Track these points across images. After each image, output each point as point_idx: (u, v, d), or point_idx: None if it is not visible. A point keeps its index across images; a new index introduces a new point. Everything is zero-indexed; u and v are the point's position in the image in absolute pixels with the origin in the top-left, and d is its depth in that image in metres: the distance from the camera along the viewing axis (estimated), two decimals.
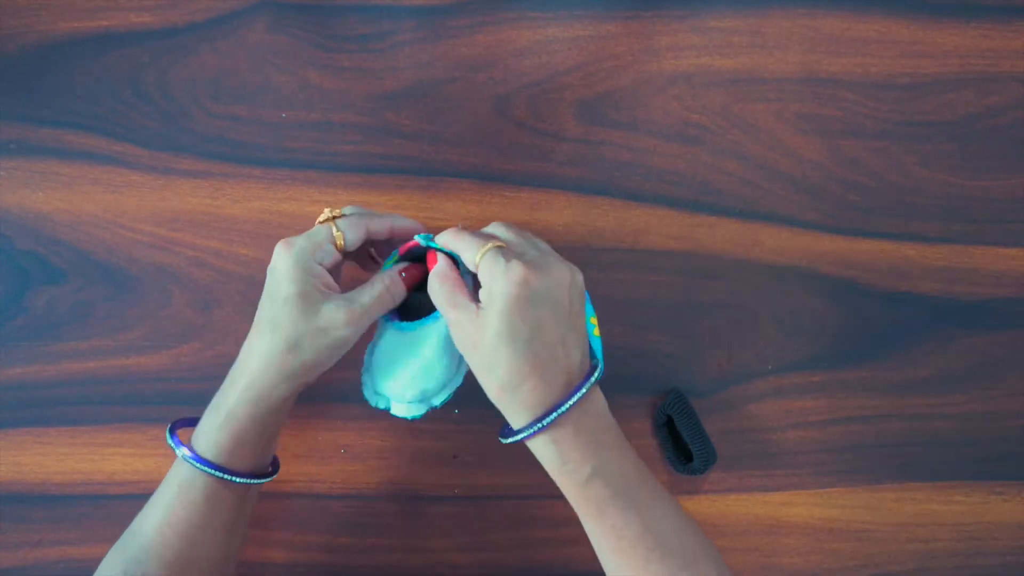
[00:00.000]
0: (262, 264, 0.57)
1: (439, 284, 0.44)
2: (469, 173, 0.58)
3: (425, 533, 0.57)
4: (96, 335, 0.57)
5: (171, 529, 0.44)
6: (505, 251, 0.43)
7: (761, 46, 0.59)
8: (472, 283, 0.46)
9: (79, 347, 0.57)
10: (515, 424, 0.43)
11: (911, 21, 0.59)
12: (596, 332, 0.56)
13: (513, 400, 0.42)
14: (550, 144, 0.59)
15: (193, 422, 0.47)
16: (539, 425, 0.41)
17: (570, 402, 0.41)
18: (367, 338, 0.49)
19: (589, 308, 0.56)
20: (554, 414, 0.41)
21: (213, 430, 0.45)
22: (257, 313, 0.45)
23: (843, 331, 0.59)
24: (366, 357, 0.50)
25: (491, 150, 0.58)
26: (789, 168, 0.59)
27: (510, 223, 0.47)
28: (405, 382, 0.47)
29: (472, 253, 0.43)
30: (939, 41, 0.60)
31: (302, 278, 0.44)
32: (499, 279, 0.41)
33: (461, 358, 0.49)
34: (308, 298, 0.44)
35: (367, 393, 0.49)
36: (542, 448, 0.42)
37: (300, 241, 0.45)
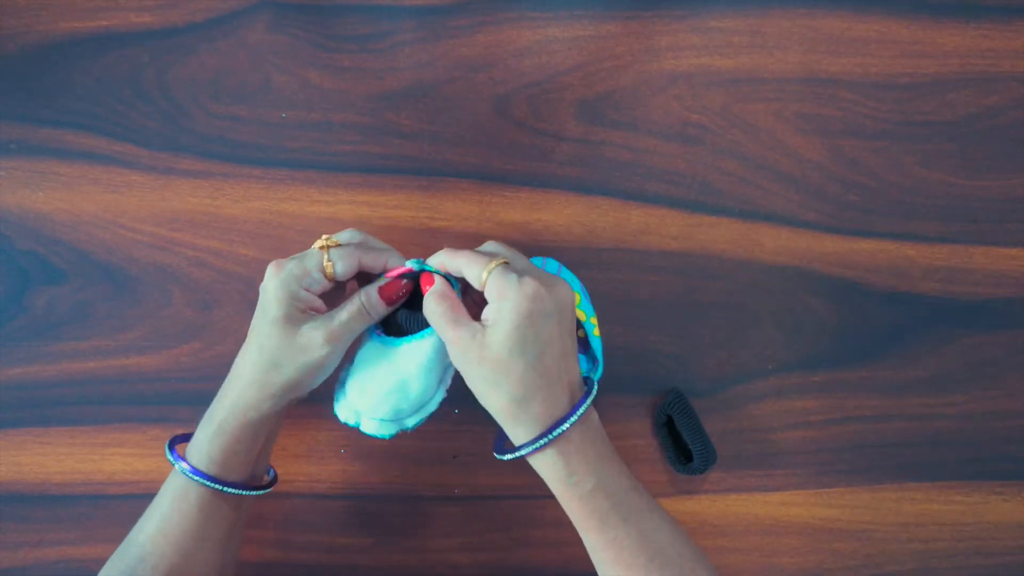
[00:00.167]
0: (262, 264, 0.57)
1: (436, 303, 0.44)
2: (469, 173, 0.58)
3: (425, 533, 0.57)
4: (96, 335, 0.57)
5: (165, 539, 0.45)
6: (512, 267, 0.43)
7: (761, 46, 0.59)
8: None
9: (79, 347, 0.57)
10: (518, 439, 0.43)
11: (911, 21, 0.59)
12: (596, 332, 0.56)
13: (523, 413, 0.42)
14: (550, 144, 0.59)
15: (191, 436, 0.47)
16: (548, 437, 0.41)
17: (579, 412, 0.42)
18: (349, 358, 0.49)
19: (589, 308, 0.56)
20: (564, 424, 0.41)
21: (205, 441, 0.45)
22: (250, 327, 0.46)
23: (843, 331, 0.59)
24: (342, 372, 0.49)
25: (491, 150, 0.58)
26: (789, 168, 0.59)
27: (501, 242, 0.47)
28: (379, 398, 0.46)
29: (477, 270, 0.43)
30: (939, 41, 0.60)
31: (287, 302, 0.44)
32: (511, 295, 0.41)
33: (439, 383, 0.48)
34: (291, 320, 0.44)
35: (338, 407, 0.48)
36: (547, 461, 0.42)
37: (289, 265, 0.45)
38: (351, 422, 0.47)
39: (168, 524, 0.45)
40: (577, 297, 0.55)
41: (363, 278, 0.49)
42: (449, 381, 0.49)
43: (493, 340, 0.41)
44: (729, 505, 0.58)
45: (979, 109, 0.60)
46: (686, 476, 0.57)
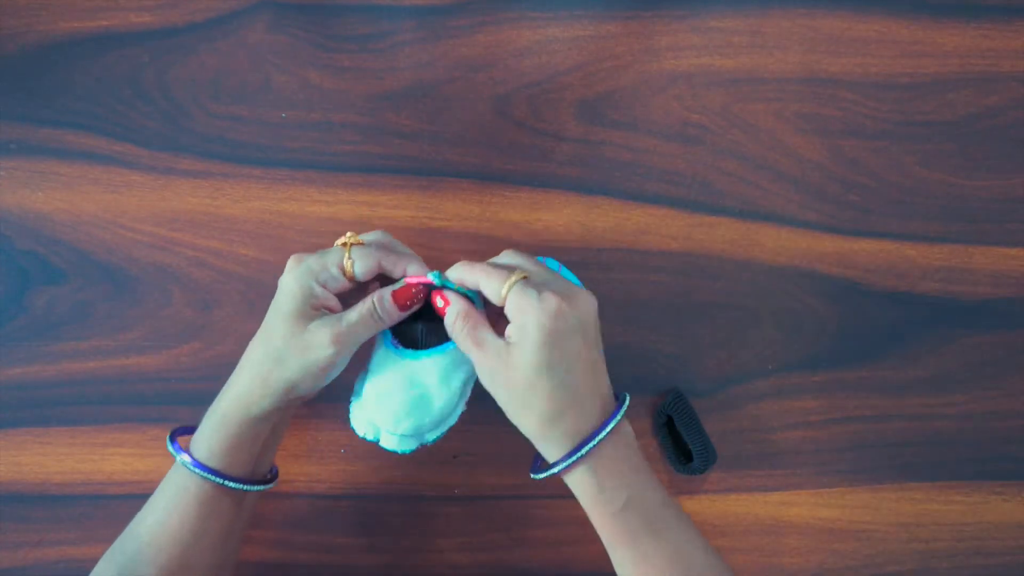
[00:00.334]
0: (262, 264, 0.57)
1: (462, 323, 0.43)
2: (469, 173, 0.58)
3: (425, 533, 0.57)
4: (96, 335, 0.57)
5: (165, 533, 0.44)
6: (532, 282, 0.42)
7: (761, 46, 0.59)
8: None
9: (79, 347, 0.57)
10: (551, 457, 0.42)
11: (911, 21, 0.59)
12: None
13: (554, 431, 0.41)
14: (550, 144, 0.59)
15: (193, 429, 0.47)
16: (579, 453, 0.41)
17: (609, 426, 0.41)
18: (361, 365, 0.48)
19: None
20: (595, 439, 0.41)
21: (208, 434, 0.45)
22: (264, 319, 0.46)
23: (843, 331, 0.59)
24: (356, 384, 0.48)
25: (491, 150, 0.58)
26: (789, 168, 0.59)
27: (519, 250, 0.46)
28: (400, 414, 0.45)
29: (497, 285, 0.42)
30: (939, 41, 0.60)
31: (301, 297, 0.44)
32: (532, 312, 0.40)
33: (461, 397, 0.47)
34: (301, 316, 0.44)
35: (355, 421, 0.47)
36: (580, 477, 0.42)
37: (308, 260, 0.45)
38: (369, 436, 0.46)
39: (167, 517, 0.45)
40: None
41: (385, 283, 0.48)
42: (469, 394, 0.48)
43: (519, 361, 0.41)
44: (729, 505, 0.58)
45: (979, 109, 0.60)
46: (686, 476, 0.57)
